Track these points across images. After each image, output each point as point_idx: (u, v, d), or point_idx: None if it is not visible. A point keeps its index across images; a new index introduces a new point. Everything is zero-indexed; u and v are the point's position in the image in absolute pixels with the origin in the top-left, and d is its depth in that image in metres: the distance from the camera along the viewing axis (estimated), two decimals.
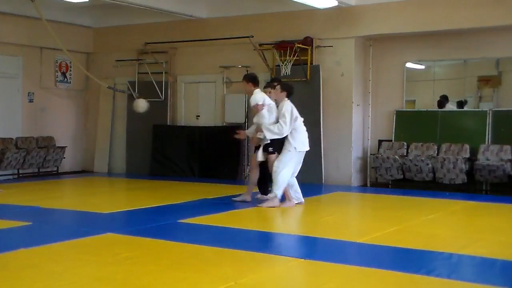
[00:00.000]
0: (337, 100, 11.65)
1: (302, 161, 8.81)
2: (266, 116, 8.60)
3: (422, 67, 12.25)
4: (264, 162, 9.25)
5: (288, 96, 8.76)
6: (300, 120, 8.66)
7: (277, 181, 8.50)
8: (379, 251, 6.07)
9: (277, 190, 8.52)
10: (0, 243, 6.33)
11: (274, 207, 8.48)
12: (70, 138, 14.36)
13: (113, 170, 14.07)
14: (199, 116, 13.39)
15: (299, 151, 8.64)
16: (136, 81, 13.66)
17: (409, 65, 11.91)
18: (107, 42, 14.31)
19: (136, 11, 12.46)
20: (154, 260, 5.54)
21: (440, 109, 11.55)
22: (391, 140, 11.66)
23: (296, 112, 8.59)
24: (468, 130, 11.12)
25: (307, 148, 8.76)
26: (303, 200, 8.87)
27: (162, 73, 13.42)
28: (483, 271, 5.35)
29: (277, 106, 8.76)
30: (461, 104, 11.67)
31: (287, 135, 8.55)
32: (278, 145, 8.66)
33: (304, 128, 8.71)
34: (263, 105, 8.62)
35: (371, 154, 11.78)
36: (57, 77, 14.00)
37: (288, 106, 8.60)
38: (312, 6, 11.13)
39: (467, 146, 10.85)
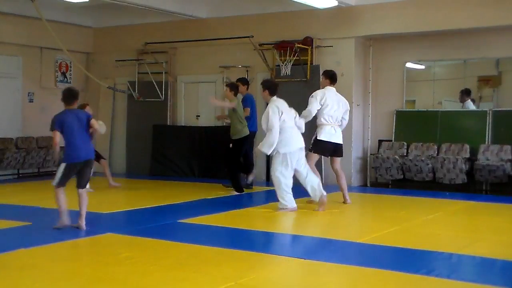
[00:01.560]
0: None
1: (299, 160, 8.37)
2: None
3: (422, 67, 12.25)
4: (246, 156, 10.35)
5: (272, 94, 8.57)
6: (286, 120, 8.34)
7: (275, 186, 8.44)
8: (379, 251, 6.07)
9: (278, 196, 8.41)
10: (0, 243, 6.33)
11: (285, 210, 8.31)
12: None
13: (113, 170, 14.02)
14: (199, 116, 13.39)
15: (283, 153, 8.28)
16: (136, 81, 13.66)
17: (409, 65, 11.91)
18: (107, 42, 14.31)
19: (136, 11, 12.46)
20: (154, 260, 5.55)
21: (440, 109, 11.57)
22: (391, 140, 11.66)
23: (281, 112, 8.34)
24: (468, 130, 11.12)
25: (291, 149, 8.26)
26: (316, 199, 8.53)
27: (162, 73, 13.41)
28: (483, 271, 5.36)
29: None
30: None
31: None
32: (314, 144, 8.91)
33: (289, 130, 8.32)
34: None
35: (371, 154, 11.78)
36: (57, 77, 13.99)
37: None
38: (312, 6, 11.13)
39: (467, 146, 10.84)
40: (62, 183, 6.94)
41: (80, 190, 7.05)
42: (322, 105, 8.85)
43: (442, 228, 7.44)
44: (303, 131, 8.61)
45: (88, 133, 7.05)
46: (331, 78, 9.14)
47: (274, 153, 8.33)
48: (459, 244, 6.34)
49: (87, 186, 7.39)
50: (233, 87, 10.22)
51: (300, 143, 8.39)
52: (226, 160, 10.37)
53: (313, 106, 8.82)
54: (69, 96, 7.10)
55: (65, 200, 6.95)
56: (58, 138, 6.97)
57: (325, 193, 8.40)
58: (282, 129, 8.25)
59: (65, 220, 6.88)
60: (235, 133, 10.08)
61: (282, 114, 8.24)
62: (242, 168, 10.59)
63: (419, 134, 11.48)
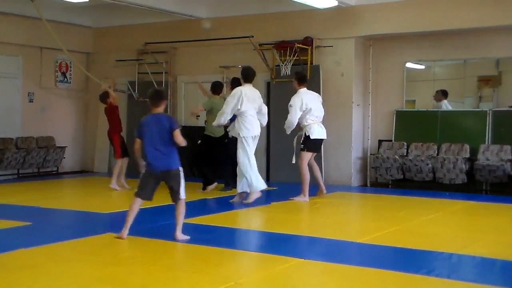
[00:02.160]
0: (337, 100, 11.65)
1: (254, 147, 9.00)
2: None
3: (422, 67, 12.25)
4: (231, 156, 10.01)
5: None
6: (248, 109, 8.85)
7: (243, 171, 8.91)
8: (379, 251, 6.07)
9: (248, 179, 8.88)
10: (0, 243, 6.33)
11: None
12: (70, 138, 14.36)
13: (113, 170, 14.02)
14: (199, 116, 13.36)
15: (241, 136, 8.86)
16: (136, 81, 13.66)
17: (409, 65, 11.91)
18: (107, 42, 14.31)
19: (136, 11, 12.46)
20: (154, 260, 5.55)
21: (440, 109, 11.57)
22: (391, 140, 11.66)
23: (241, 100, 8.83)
24: (468, 130, 11.12)
25: (247, 134, 8.84)
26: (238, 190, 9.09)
27: (162, 73, 13.41)
28: (483, 271, 5.36)
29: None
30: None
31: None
32: (307, 143, 9.24)
33: (251, 116, 8.88)
34: None
35: (371, 154, 11.78)
36: (57, 77, 14.00)
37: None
38: (312, 6, 11.13)
39: (467, 146, 10.85)
40: (141, 193, 6.40)
41: (176, 204, 6.54)
42: (304, 111, 9.21)
43: (442, 228, 7.44)
44: (264, 124, 9.27)
45: (171, 142, 6.29)
46: (300, 80, 9.48)
47: (235, 136, 8.96)
48: (459, 244, 6.34)
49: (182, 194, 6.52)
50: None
51: (256, 131, 8.92)
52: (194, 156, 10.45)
53: (294, 116, 9.20)
54: (155, 96, 6.47)
55: (135, 212, 6.42)
56: (138, 146, 6.39)
57: (248, 191, 8.95)
58: (243, 116, 8.83)
59: (125, 234, 6.36)
60: (208, 129, 10.34)
61: (242, 101, 8.75)
62: (209, 172, 10.42)
63: (419, 134, 11.49)
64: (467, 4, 10.53)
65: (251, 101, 8.84)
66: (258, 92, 9.14)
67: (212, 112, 10.04)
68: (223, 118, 8.93)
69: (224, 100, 9.63)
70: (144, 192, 6.40)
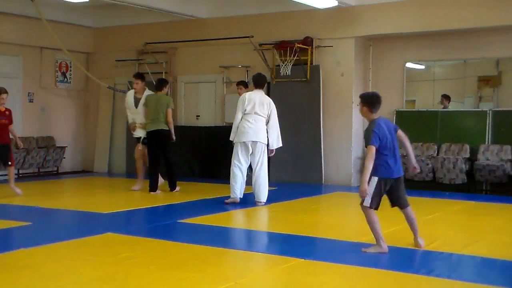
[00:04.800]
0: (337, 100, 11.65)
1: (249, 153, 8.87)
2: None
3: (422, 67, 12.25)
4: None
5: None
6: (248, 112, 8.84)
7: None
8: None
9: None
10: (0, 243, 6.33)
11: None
12: (70, 138, 14.36)
13: (113, 170, 14.06)
14: (199, 116, 13.38)
15: (235, 142, 8.89)
16: None
17: (409, 65, 11.91)
18: (107, 42, 14.31)
19: (136, 11, 12.47)
20: (154, 260, 5.55)
21: (440, 109, 11.56)
22: None
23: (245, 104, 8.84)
24: (468, 130, 11.12)
25: (243, 140, 8.79)
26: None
27: (162, 73, 13.41)
28: (483, 271, 5.36)
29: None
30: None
31: None
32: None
33: (247, 121, 8.79)
34: None
35: None
36: (57, 77, 14.00)
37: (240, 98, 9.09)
38: (312, 6, 11.14)
39: (467, 146, 10.85)
40: (374, 203, 5.87)
41: (403, 210, 6.17)
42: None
43: (442, 228, 7.43)
44: (272, 142, 8.97)
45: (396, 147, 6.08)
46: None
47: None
48: (459, 244, 6.34)
49: None
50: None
51: (243, 138, 8.77)
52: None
53: None
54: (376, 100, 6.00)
55: (379, 223, 5.92)
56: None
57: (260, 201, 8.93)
58: (242, 120, 8.84)
59: (384, 246, 5.89)
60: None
61: (243, 105, 8.81)
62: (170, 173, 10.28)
63: (419, 134, 11.47)
64: (467, 4, 10.52)
65: (252, 106, 8.77)
66: (267, 100, 8.93)
67: (146, 106, 10.07)
68: (235, 121, 8.91)
69: (163, 96, 10.00)
70: (376, 201, 5.94)
